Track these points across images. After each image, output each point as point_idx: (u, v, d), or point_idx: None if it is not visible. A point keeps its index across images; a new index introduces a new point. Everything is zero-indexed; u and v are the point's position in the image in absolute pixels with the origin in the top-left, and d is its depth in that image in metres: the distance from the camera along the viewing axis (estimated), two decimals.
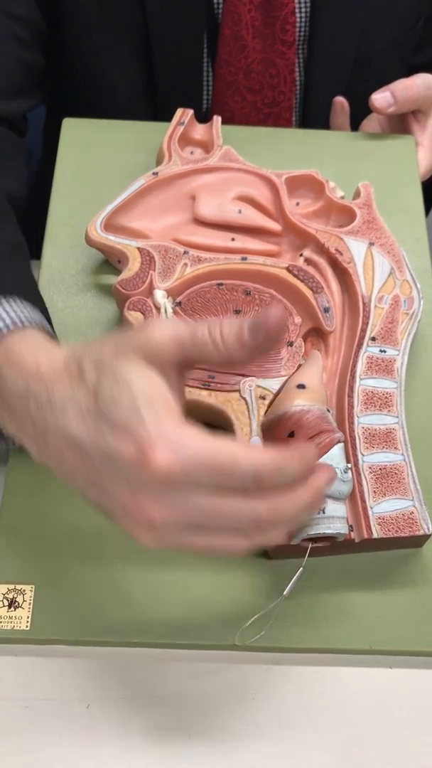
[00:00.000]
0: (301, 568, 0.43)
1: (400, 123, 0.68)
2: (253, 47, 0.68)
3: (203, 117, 0.73)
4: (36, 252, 0.55)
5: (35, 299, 0.45)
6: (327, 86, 0.72)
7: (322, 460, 0.43)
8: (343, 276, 0.53)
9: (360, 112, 0.69)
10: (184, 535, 0.34)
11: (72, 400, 0.36)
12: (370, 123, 0.70)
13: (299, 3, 0.68)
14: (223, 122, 0.61)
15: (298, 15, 0.68)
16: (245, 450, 0.34)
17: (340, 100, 0.70)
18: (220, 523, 0.34)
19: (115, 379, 0.35)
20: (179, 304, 0.51)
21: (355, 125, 0.70)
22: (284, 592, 0.42)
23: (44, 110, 0.85)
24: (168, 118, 0.60)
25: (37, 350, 0.39)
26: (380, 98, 0.63)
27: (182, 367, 0.37)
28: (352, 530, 0.44)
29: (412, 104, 0.64)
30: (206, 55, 0.70)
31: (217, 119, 0.60)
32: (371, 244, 0.54)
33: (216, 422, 0.46)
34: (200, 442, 0.33)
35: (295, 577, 0.42)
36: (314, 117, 0.74)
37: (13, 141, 0.62)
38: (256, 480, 0.33)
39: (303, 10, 0.68)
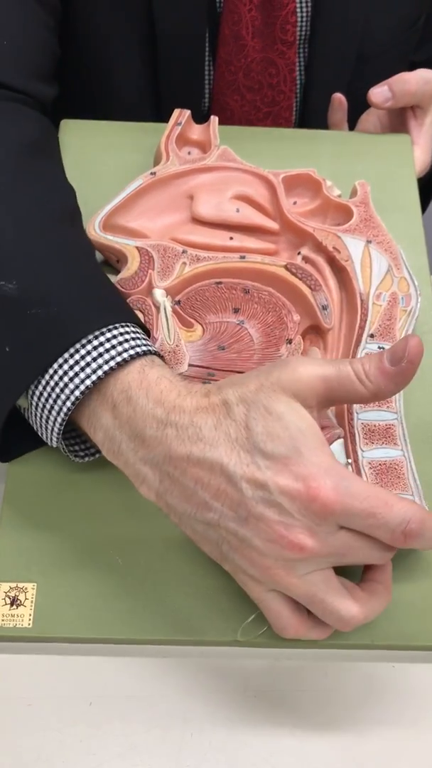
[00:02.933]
0: None
1: (399, 119, 0.68)
2: (253, 47, 0.68)
3: (204, 115, 0.73)
4: None
5: (138, 321, 0.44)
6: (327, 86, 0.72)
7: None
8: (341, 274, 0.53)
9: (360, 110, 0.70)
10: (314, 574, 0.36)
11: (221, 432, 0.36)
12: (369, 118, 0.70)
13: (300, 3, 0.68)
14: (223, 121, 0.61)
15: (299, 15, 0.68)
16: (398, 499, 0.36)
17: (338, 97, 0.70)
18: (354, 561, 0.37)
19: (268, 413, 0.36)
20: (178, 302, 0.51)
21: (354, 123, 0.71)
22: None
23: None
24: (170, 116, 0.60)
25: (174, 380, 0.39)
26: (378, 92, 0.64)
27: (324, 405, 0.38)
28: None
29: (410, 98, 0.64)
30: (208, 53, 0.70)
31: (214, 119, 0.60)
32: (368, 242, 0.54)
33: None
34: (359, 482, 0.35)
35: None
36: (314, 116, 0.74)
37: (51, 127, 0.60)
38: (402, 530, 0.35)
39: (304, 10, 0.69)
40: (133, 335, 0.41)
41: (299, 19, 0.69)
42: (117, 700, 0.42)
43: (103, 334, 0.40)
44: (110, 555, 0.45)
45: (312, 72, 0.72)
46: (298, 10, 0.68)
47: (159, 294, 0.50)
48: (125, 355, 0.40)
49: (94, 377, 0.39)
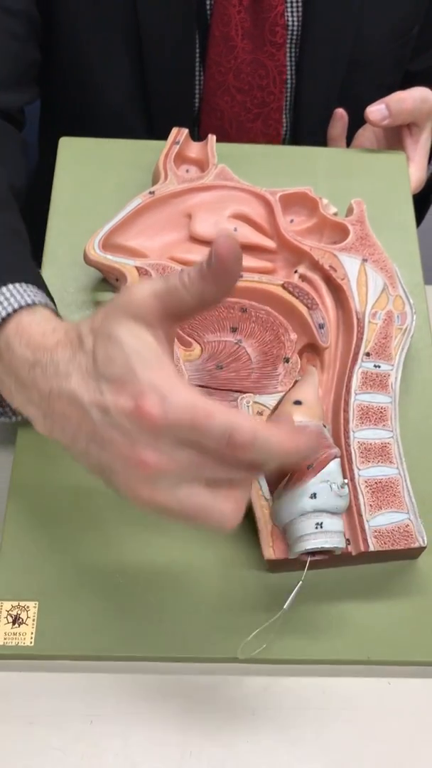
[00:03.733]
0: (300, 582, 0.43)
1: (395, 135, 0.69)
2: (243, 48, 0.69)
3: (194, 116, 0.74)
4: None
5: (40, 283, 0.47)
6: (318, 89, 0.73)
7: (319, 475, 0.44)
8: (337, 292, 0.54)
9: (353, 116, 0.71)
10: (177, 491, 0.36)
11: (74, 364, 0.38)
12: (365, 133, 0.71)
13: (290, 5, 0.68)
14: (213, 122, 0.61)
15: (289, 17, 0.69)
16: (226, 410, 0.35)
17: (341, 111, 0.71)
18: (213, 476, 0.36)
19: (109, 340, 0.37)
20: None
21: (348, 131, 0.71)
22: (284, 606, 0.43)
23: (38, 113, 0.85)
24: (160, 118, 0.61)
25: (44, 323, 0.43)
26: (375, 111, 0.64)
27: (168, 320, 0.39)
28: (349, 544, 0.45)
29: (407, 117, 0.65)
30: (198, 55, 0.71)
31: (211, 138, 0.61)
32: (364, 260, 0.55)
33: None
34: (186, 395, 0.35)
35: (295, 590, 0.43)
36: (306, 119, 0.75)
37: (10, 132, 0.64)
38: (227, 441, 0.35)
39: (295, 12, 0.69)
40: (20, 291, 0.44)
41: (290, 22, 0.69)
42: (117, 718, 0.43)
43: None
44: (111, 574, 0.46)
45: (302, 75, 0.72)
46: (288, 12, 0.69)
47: None
48: (9, 308, 0.43)
49: None
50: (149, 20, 0.67)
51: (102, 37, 0.69)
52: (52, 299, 0.48)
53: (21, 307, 0.43)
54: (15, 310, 0.43)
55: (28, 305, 0.44)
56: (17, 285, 0.45)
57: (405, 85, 0.77)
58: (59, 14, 0.69)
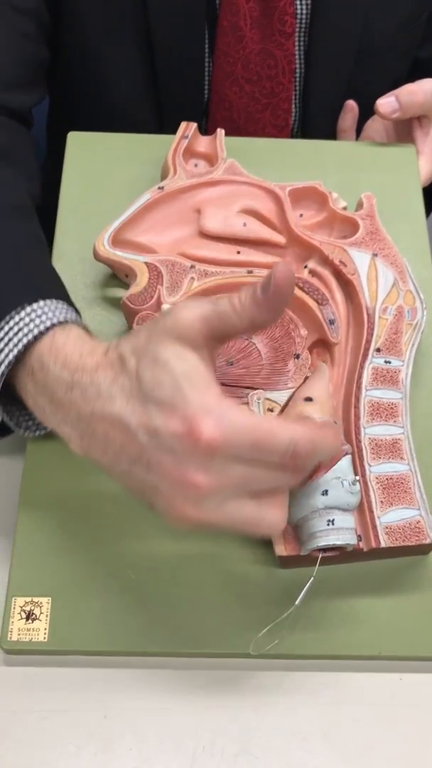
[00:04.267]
0: (311, 578, 0.44)
1: (405, 128, 0.68)
2: (251, 38, 0.68)
3: (203, 107, 0.74)
4: None
5: (68, 299, 0.47)
6: (327, 78, 0.73)
7: (330, 472, 0.44)
8: (348, 287, 0.54)
9: (362, 106, 0.70)
10: (224, 506, 0.37)
11: (117, 387, 0.38)
12: (374, 125, 0.70)
13: None
14: (222, 113, 0.61)
15: (298, 5, 0.69)
16: (283, 423, 0.37)
17: (351, 103, 0.71)
18: (257, 487, 0.37)
19: (155, 362, 0.37)
20: None
21: (357, 122, 0.71)
22: (296, 601, 0.43)
23: (47, 107, 0.85)
24: (169, 109, 0.61)
25: (80, 344, 0.42)
26: (385, 103, 0.64)
27: (213, 342, 0.39)
28: (360, 540, 0.45)
29: (418, 109, 0.65)
30: (207, 46, 0.70)
31: (220, 132, 0.61)
32: (375, 255, 0.55)
33: None
34: (242, 415, 0.36)
35: (307, 586, 0.43)
36: (314, 109, 0.74)
37: (25, 136, 0.63)
38: (291, 454, 0.36)
39: (303, 1, 0.69)
40: (51, 308, 0.44)
41: (299, 11, 0.69)
42: (131, 713, 0.43)
43: (17, 313, 0.43)
44: (123, 570, 0.46)
45: (311, 64, 0.72)
46: (297, 1, 0.68)
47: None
48: (41, 327, 0.43)
49: (15, 351, 0.42)
50: (158, 12, 0.67)
51: (111, 30, 0.69)
52: (78, 314, 0.47)
53: (54, 325, 0.43)
54: (48, 328, 0.42)
55: (61, 323, 0.43)
56: (48, 301, 0.44)
57: (412, 73, 0.77)
58: (68, 9, 0.68)
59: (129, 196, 0.57)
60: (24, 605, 0.45)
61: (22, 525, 0.47)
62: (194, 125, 0.61)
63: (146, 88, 0.72)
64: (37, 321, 0.43)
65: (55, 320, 0.43)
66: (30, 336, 0.42)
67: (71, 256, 0.57)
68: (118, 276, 0.56)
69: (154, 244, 0.55)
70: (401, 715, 0.44)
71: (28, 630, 0.44)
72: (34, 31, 0.65)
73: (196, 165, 0.60)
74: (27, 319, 0.43)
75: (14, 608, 0.44)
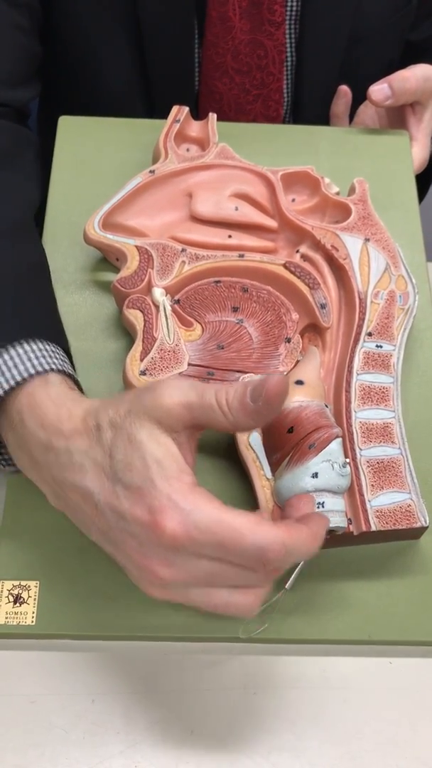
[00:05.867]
0: (302, 562, 0.43)
1: (397, 114, 0.68)
2: (240, 28, 0.68)
3: (194, 99, 0.73)
4: None
5: (58, 335, 0.45)
6: (319, 67, 0.72)
7: (320, 455, 0.43)
8: (339, 272, 0.54)
9: (354, 90, 0.70)
10: (190, 592, 0.36)
11: (89, 459, 0.37)
12: (367, 110, 0.70)
13: None
14: (212, 106, 0.61)
15: None
16: (253, 526, 0.34)
17: (344, 89, 0.71)
18: (224, 584, 0.36)
19: (129, 441, 0.36)
20: (178, 301, 0.51)
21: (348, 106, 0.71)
22: (286, 586, 0.43)
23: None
24: (160, 101, 0.60)
25: (59, 403, 0.40)
26: (377, 90, 0.63)
27: (193, 428, 0.38)
28: (350, 523, 0.45)
29: (410, 96, 0.64)
30: (197, 37, 0.70)
31: (212, 116, 0.60)
32: (367, 240, 0.55)
33: None
34: (209, 512, 0.34)
35: (297, 570, 0.43)
36: (306, 98, 0.74)
37: (27, 138, 0.62)
38: (260, 560, 0.34)
39: None
40: (36, 352, 0.42)
41: (288, 0, 0.68)
42: (119, 697, 0.43)
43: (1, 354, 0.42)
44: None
45: (303, 52, 0.71)
46: None
47: (158, 293, 0.50)
48: (18, 377, 0.41)
49: None
50: (147, 3, 0.66)
51: (101, 20, 0.68)
52: (68, 352, 0.46)
53: (31, 376, 0.41)
54: (24, 379, 0.41)
55: (39, 373, 0.41)
56: (33, 344, 0.42)
57: (404, 56, 0.76)
58: (58, 1, 0.68)
59: (120, 180, 0.56)
60: (12, 588, 0.44)
61: (9, 507, 0.47)
62: (186, 109, 0.60)
63: (137, 79, 0.72)
64: (15, 371, 0.41)
65: (37, 368, 0.41)
66: (8, 385, 0.41)
67: (61, 239, 0.56)
68: (108, 259, 0.55)
69: (144, 227, 0.55)
70: (390, 700, 0.44)
71: (16, 614, 0.44)
72: (28, 25, 0.64)
73: (188, 150, 0.59)
74: (4, 368, 0.41)
75: (2, 591, 0.44)
